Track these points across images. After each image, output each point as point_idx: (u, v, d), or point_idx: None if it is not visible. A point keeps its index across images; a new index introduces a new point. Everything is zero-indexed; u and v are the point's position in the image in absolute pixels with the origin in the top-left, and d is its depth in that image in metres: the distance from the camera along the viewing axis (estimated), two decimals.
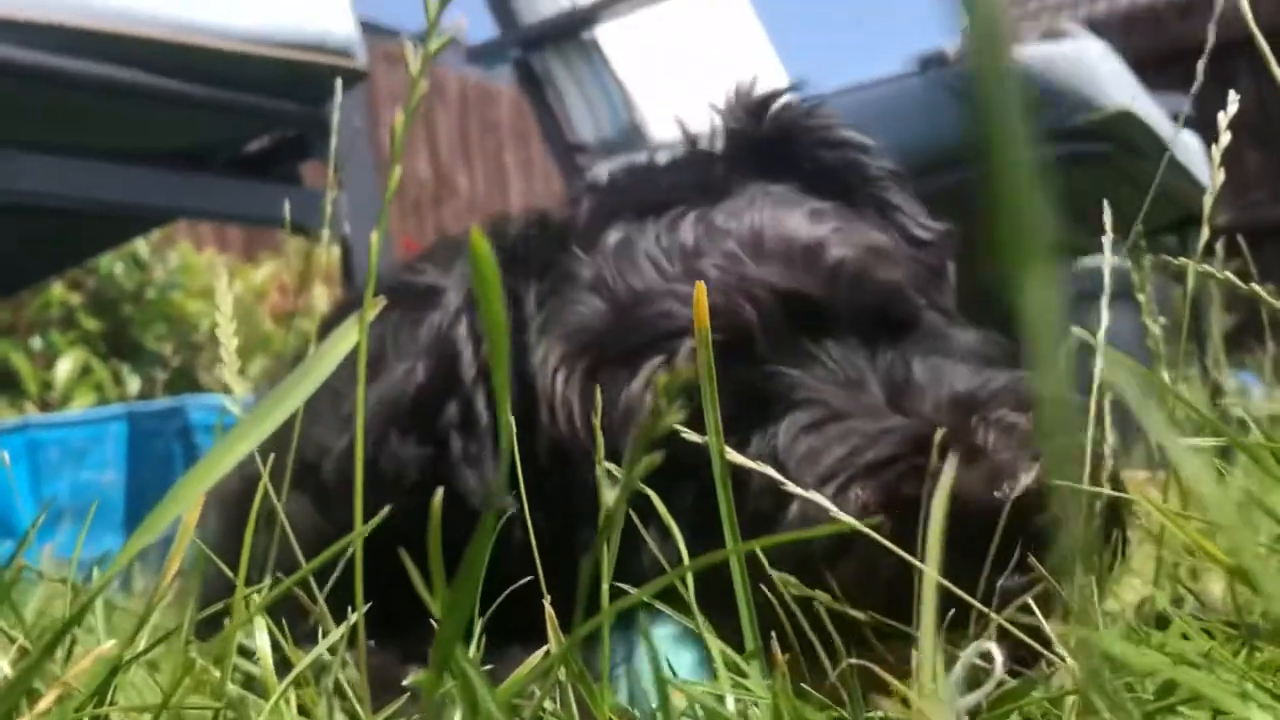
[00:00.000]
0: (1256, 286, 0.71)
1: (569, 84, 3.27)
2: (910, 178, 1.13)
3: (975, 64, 0.25)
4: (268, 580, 0.79)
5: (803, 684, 0.64)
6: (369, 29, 2.53)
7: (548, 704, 0.65)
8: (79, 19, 1.99)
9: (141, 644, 0.62)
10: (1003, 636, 0.64)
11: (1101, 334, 0.77)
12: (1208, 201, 0.81)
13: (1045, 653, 0.65)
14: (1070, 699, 0.56)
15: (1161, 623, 0.84)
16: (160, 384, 4.68)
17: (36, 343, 4.52)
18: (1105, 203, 0.86)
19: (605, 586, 0.60)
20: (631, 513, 0.65)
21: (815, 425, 0.88)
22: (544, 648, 0.70)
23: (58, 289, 4.62)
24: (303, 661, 0.60)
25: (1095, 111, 2.75)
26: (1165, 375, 1.15)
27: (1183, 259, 0.76)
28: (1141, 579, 1.07)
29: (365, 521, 0.66)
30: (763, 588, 0.69)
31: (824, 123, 1.12)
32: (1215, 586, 1.01)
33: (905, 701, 0.54)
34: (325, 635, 0.67)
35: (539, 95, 3.30)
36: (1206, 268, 0.74)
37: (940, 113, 2.79)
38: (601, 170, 1.28)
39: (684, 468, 0.69)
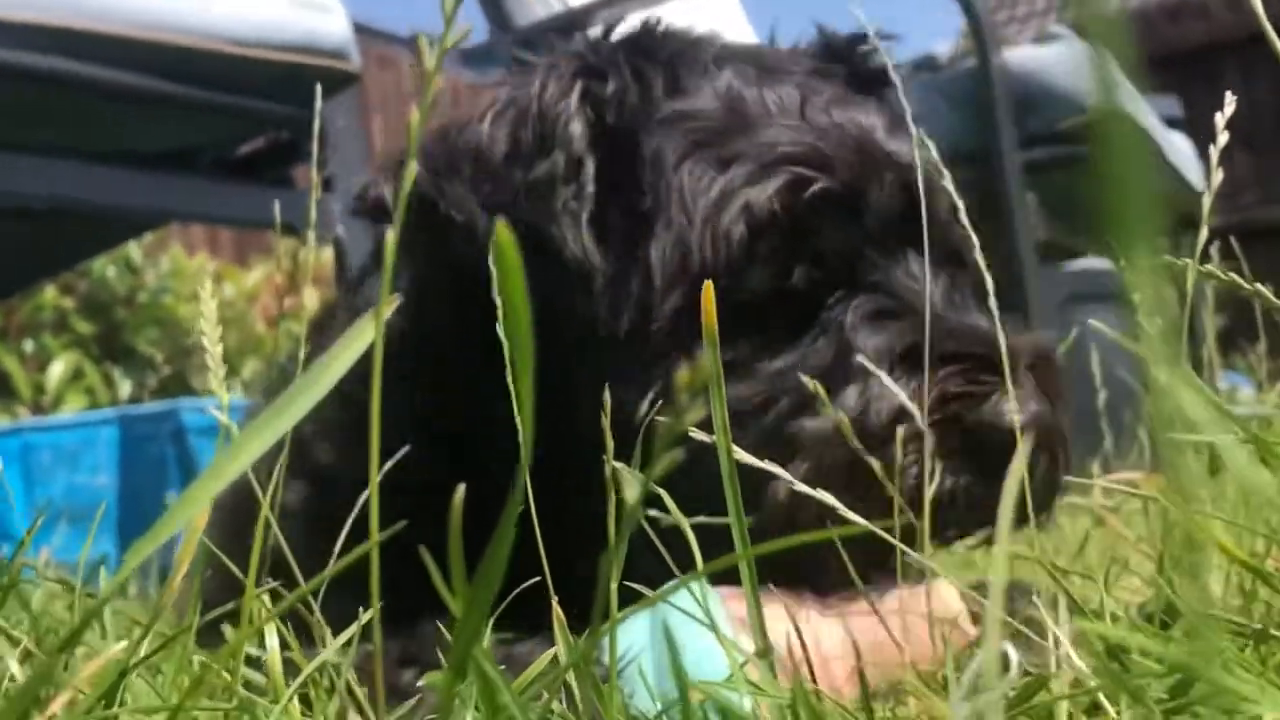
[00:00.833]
0: (1260, 287, 0.71)
1: None
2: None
3: (1089, 41, 0.26)
4: (268, 582, 0.79)
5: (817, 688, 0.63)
6: (361, 31, 2.52)
7: (555, 705, 0.65)
8: (70, 19, 1.99)
9: (144, 649, 0.62)
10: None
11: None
12: (1206, 200, 0.81)
13: (1052, 649, 0.65)
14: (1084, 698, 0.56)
15: (1165, 624, 0.85)
16: (152, 388, 4.67)
17: (29, 346, 4.51)
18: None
19: (614, 585, 0.60)
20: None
21: (888, 314, 0.94)
22: (551, 650, 0.70)
23: (50, 292, 4.61)
24: (310, 665, 0.60)
25: (1084, 115, 2.76)
26: (1163, 375, 1.15)
27: (1185, 259, 0.76)
28: (1141, 578, 1.07)
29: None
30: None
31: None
32: (1215, 585, 1.01)
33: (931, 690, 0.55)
34: (329, 639, 0.67)
35: None
36: (1210, 268, 0.74)
37: (933, 117, 2.79)
38: None
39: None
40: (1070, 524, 1.44)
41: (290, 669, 0.66)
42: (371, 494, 0.49)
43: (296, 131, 2.40)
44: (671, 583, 0.64)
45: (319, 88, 1.34)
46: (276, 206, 1.39)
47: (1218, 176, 0.79)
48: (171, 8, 2.10)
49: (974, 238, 0.90)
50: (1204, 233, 0.80)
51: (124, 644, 0.53)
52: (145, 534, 0.54)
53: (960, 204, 0.91)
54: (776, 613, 0.75)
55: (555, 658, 0.69)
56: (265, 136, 2.53)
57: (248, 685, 0.69)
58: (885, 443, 0.85)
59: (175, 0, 2.12)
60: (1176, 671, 0.55)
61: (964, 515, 0.88)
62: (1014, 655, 0.53)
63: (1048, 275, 2.87)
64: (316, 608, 0.71)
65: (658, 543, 0.68)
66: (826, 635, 0.82)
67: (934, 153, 0.94)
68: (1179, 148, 3.18)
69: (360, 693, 0.61)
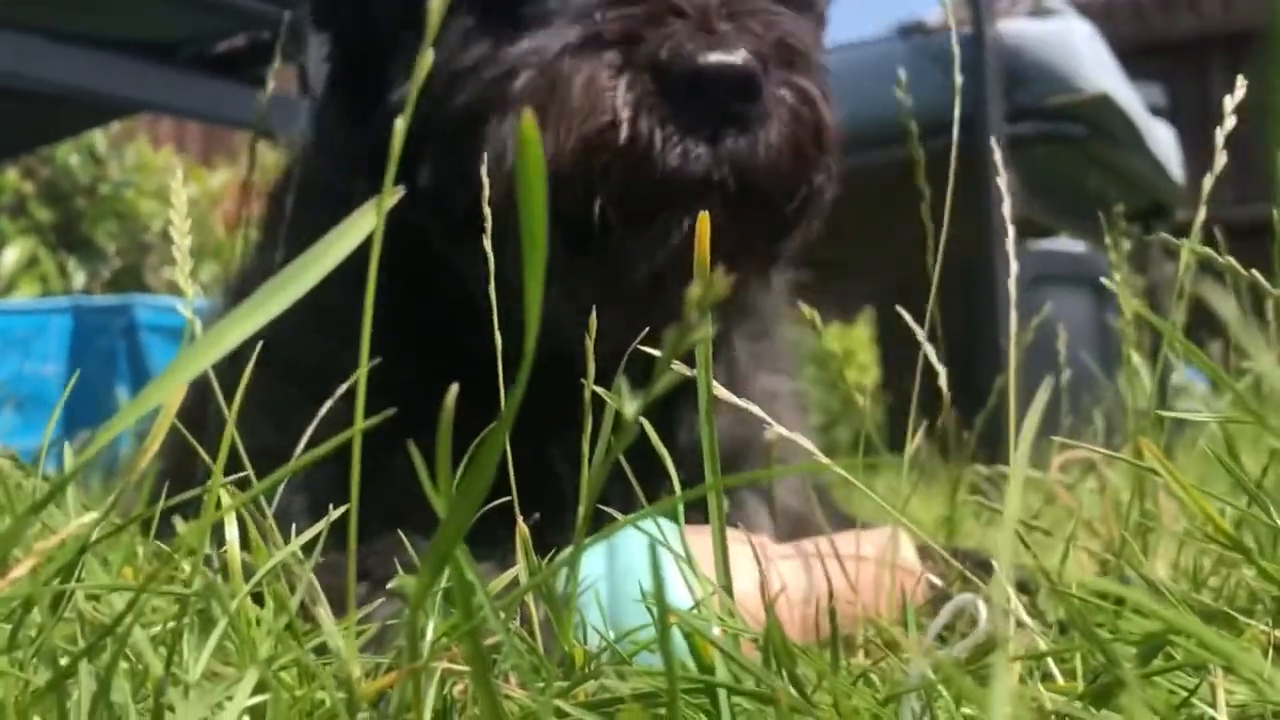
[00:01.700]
0: (1257, 275, 0.71)
1: None
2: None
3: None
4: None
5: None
6: None
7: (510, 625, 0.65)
8: None
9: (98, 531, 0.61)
10: None
11: None
12: (1207, 183, 0.81)
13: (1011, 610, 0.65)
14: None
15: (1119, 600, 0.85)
16: (104, 279, 4.61)
17: None
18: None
19: (583, 510, 0.59)
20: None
21: None
22: (511, 572, 0.69)
23: (11, 175, 4.52)
24: (271, 560, 0.59)
25: (1073, 94, 2.76)
26: (1135, 358, 1.15)
27: (1183, 240, 0.76)
28: (1090, 554, 1.08)
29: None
30: None
31: None
32: (1160, 568, 1.02)
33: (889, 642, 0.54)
34: (288, 540, 0.66)
35: None
36: (1209, 250, 0.74)
37: (923, 79, 2.78)
38: None
39: None
40: (1023, 500, 1.45)
41: (246, 570, 0.65)
42: (359, 387, 0.47)
43: (275, 31, 2.35)
44: (641, 511, 0.63)
45: None
46: (263, 97, 1.36)
47: (1221, 158, 0.78)
48: None
49: None
50: (1201, 213, 0.79)
51: (91, 516, 0.51)
52: (108, 416, 0.52)
53: None
54: (739, 550, 0.74)
55: (515, 580, 0.68)
56: (247, 35, 2.49)
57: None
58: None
59: None
60: (1156, 625, 0.55)
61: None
62: (983, 610, 0.53)
63: (1018, 253, 2.86)
64: (270, 509, 0.70)
65: (628, 469, 0.67)
66: (786, 578, 0.82)
67: None
68: (1161, 137, 3.18)
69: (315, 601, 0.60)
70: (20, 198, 4.56)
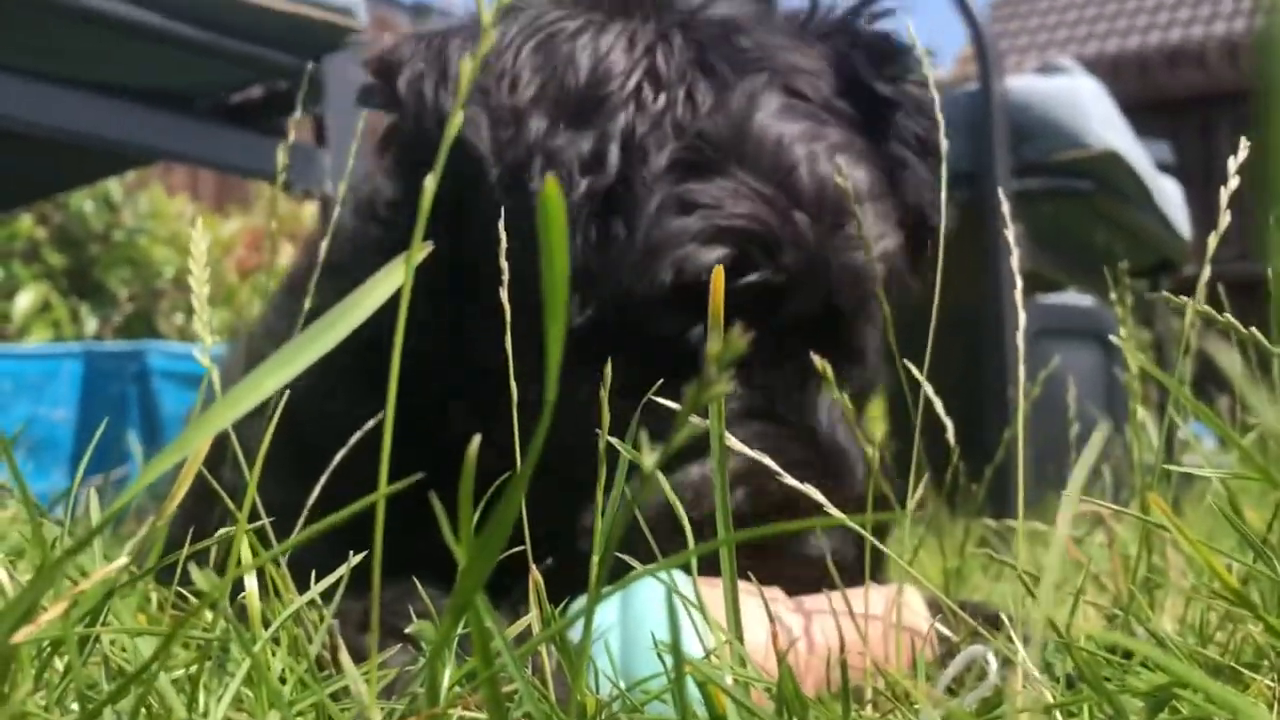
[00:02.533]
0: (1257, 332, 0.72)
1: None
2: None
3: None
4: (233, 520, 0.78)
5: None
6: None
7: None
8: None
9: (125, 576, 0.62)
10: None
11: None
12: (1211, 242, 0.82)
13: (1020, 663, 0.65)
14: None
15: (1127, 654, 0.85)
16: (116, 324, 4.63)
17: None
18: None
19: (597, 559, 0.60)
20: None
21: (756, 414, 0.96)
22: (525, 620, 0.70)
23: (25, 221, 4.56)
24: (292, 606, 0.60)
25: (1081, 149, 2.78)
26: (1141, 412, 1.16)
27: (1182, 297, 0.77)
28: (1096, 609, 1.08)
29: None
30: None
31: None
32: (1167, 622, 1.03)
33: (899, 694, 0.55)
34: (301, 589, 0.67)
35: None
36: (1207, 308, 0.75)
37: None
38: None
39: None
40: (1030, 552, 1.45)
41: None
42: (384, 447, 0.48)
43: (296, 82, 2.39)
44: (654, 564, 0.64)
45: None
46: (279, 155, 1.38)
47: (1225, 219, 0.80)
48: None
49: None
50: (1206, 271, 0.80)
51: (120, 562, 0.53)
52: (120, 462, 0.53)
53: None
54: (749, 603, 0.75)
55: (529, 629, 0.69)
56: (263, 85, 2.52)
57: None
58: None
59: None
60: (1163, 678, 0.56)
61: None
62: (993, 663, 0.54)
63: (1025, 306, 2.87)
64: (284, 563, 0.71)
65: (642, 521, 0.68)
66: (795, 631, 0.82)
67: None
68: (1168, 192, 3.20)
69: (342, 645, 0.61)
70: (34, 243, 4.59)
